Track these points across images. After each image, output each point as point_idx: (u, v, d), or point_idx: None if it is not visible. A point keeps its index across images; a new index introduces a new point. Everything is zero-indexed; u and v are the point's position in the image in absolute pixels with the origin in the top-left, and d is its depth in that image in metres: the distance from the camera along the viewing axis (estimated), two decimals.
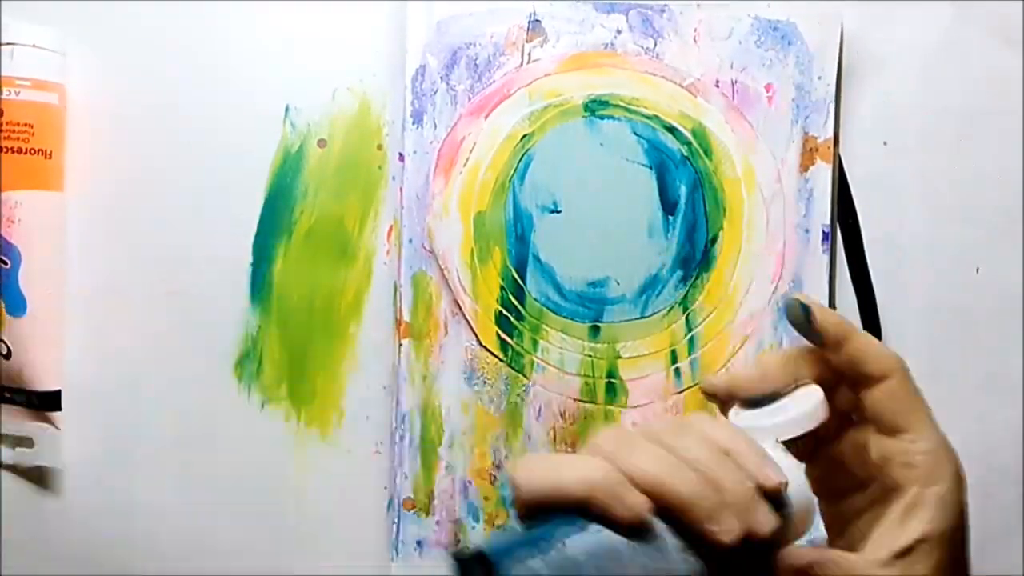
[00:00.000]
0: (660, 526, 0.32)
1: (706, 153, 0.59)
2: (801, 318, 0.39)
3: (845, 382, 0.40)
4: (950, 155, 0.60)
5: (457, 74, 0.59)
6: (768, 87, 0.58)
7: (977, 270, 0.60)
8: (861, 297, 0.60)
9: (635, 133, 0.59)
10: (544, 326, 0.58)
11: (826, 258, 0.58)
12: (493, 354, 0.58)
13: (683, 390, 0.58)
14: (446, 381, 0.58)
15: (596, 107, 0.58)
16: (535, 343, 0.58)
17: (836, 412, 0.39)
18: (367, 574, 0.59)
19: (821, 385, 0.38)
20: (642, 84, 0.58)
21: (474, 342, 0.59)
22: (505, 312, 0.58)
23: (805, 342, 0.39)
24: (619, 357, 0.58)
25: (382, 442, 0.60)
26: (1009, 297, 0.60)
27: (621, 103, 0.58)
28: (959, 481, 0.37)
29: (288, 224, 0.60)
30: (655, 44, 0.59)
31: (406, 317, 0.58)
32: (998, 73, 0.59)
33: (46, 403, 0.59)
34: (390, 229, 0.60)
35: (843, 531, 0.39)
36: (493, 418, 0.59)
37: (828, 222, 0.59)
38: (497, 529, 0.59)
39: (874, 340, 0.40)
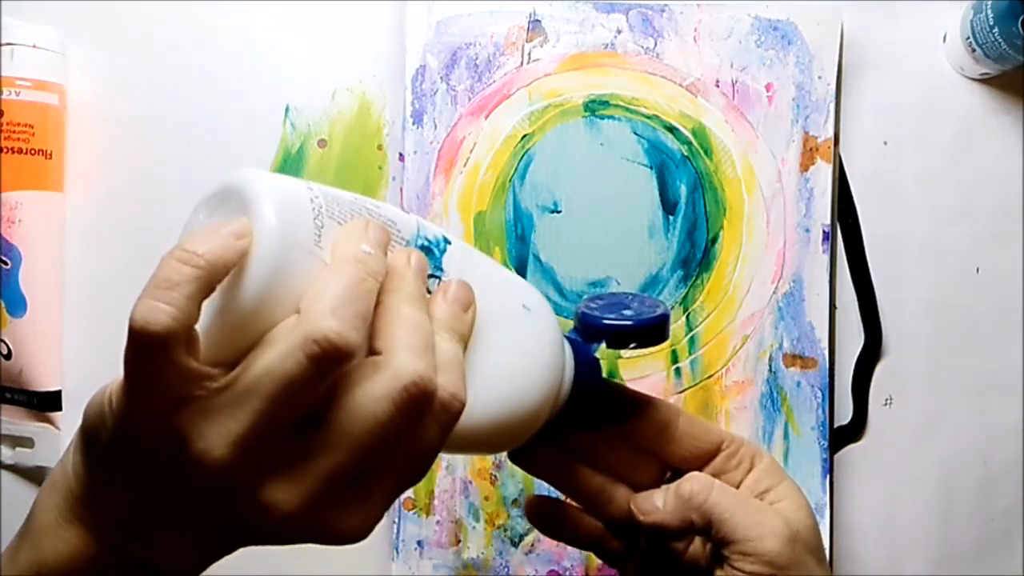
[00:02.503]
0: None
1: (706, 153, 0.59)
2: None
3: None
4: (950, 155, 0.60)
5: (457, 74, 0.59)
6: (768, 87, 0.59)
7: (977, 270, 0.60)
8: (861, 297, 0.60)
9: (635, 133, 0.59)
10: None
11: (826, 258, 0.58)
12: None
13: (684, 390, 0.58)
14: None
15: (596, 107, 0.58)
16: None
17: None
18: (367, 574, 0.59)
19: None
20: (642, 84, 0.59)
21: None
22: None
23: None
24: (619, 357, 0.58)
25: None
26: (1009, 297, 0.60)
27: (621, 103, 0.59)
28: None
29: None
30: (655, 44, 0.59)
31: None
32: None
33: (46, 403, 0.59)
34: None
35: None
36: None
37: (828, 222, 0.59)
38: (497, 530, 0.59)
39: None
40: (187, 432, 0.29)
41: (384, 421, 0.30)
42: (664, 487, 0.41)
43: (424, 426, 0.31)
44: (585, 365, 0.40)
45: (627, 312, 0.40)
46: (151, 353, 0.28)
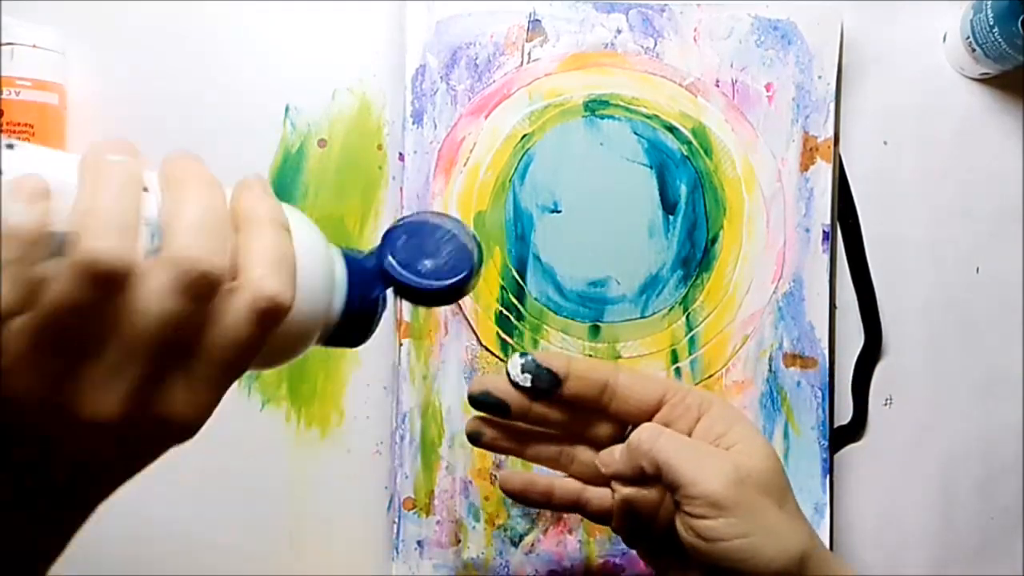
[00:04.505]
0: None
1: (706, 153, 0.59)
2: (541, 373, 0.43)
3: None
4: (950, 155, 0.60)
5: (457, 74, 0.59)
6: (768, 86, 0.59)
7: (977, 270, 0.60)
8: (861, 296, 0.60)
9: (635, 133, 0.59)
10: (544, 326, 0.58)
11: (826, 257, 0.58)
12: (493, 354, 0.58)
13: None
14: (446, 381, 0.58)
15: (596, 107, 0.58)
16: (536, 343, 0.58)
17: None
18: (367, 574, 0.59)
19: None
20: (642, 84, 0.58)
21: (474, 342, 0.58)
22: (505, 312, 0.58)
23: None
24: (619, 357, 0.58)
25: (382, 442, 0.60)
26: (1009, 297, 0.60)
27: (621, 103, 0.59)
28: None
29: None
30: (655, 44, 0.59)
31: (406, 317, 0.58)
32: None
33: None
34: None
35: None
36: None
37: (828, 221, 0.59)
38: (498, 529, 0.59)
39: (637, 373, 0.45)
40: (4, 388, 0.29)
41: (172, 312, 0.29)
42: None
43: (231, 311, 0.30)
44: (360, 285, 0.37)
45: (427, 264, 0.37)
46: None
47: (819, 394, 0.58)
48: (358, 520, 0.60)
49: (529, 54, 0.59)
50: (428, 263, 0.37)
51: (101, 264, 0.28)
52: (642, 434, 0.41)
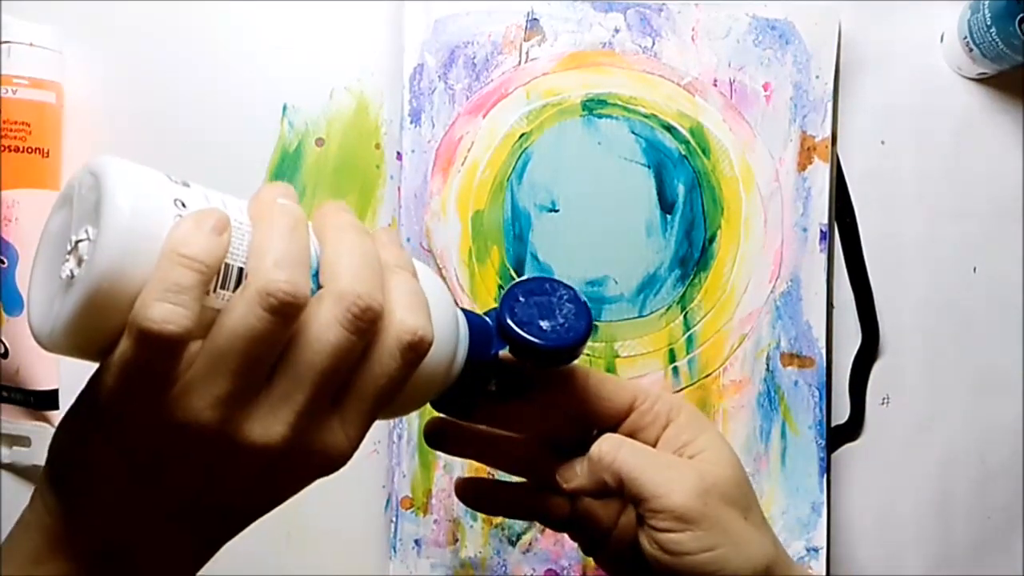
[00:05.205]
0: None
1: (704, 152, 0.59)
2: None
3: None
4: (948, 154, 0.60)
5: (455, 73, 0.59)
6: (766, 86, 0.59)
7: (974, 269, 0.60)
8: (859, 296, 0.60)
9: (633, 132, 0.59)
10: None
11: (824, 257, 0.59)
12: None
13: (681, 389, 0.58)
14: None
15: (594, 106, 0.58)
16: None
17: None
18: (365, 573, 0.59)
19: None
20: (640, 83, 0.59)
21: None
22: None
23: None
24: (617, 356, 0.58)
25: (380, 441, 0.60)
26: (1006, 296, 0.60)
27: (619, 102, 0.59)
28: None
29: None
30: (653, 43, 0.59)
31: None
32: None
33: (43, 402, 0.59)
34: (388, 228, 0.60)
35: None
36: None
37: (826, 221, 0.59)
38: (495, 528, 0.59)
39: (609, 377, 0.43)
40: (176, 410, 0.30)
41: (338, 344, 0.31)
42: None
43: (381, 347, 0.32)
44: (480, 341, 0.39)
45: (544, 324, 0.39)
46: (166, 353, 0.29)
47: (816, 393, 0.58)
48: (356, 519, 0.60)
49: (527, 53, 0.59)
50: (545, 323, 0.39)
51: (280, 295, 0.29)
52: (603, 446, 0.40)
